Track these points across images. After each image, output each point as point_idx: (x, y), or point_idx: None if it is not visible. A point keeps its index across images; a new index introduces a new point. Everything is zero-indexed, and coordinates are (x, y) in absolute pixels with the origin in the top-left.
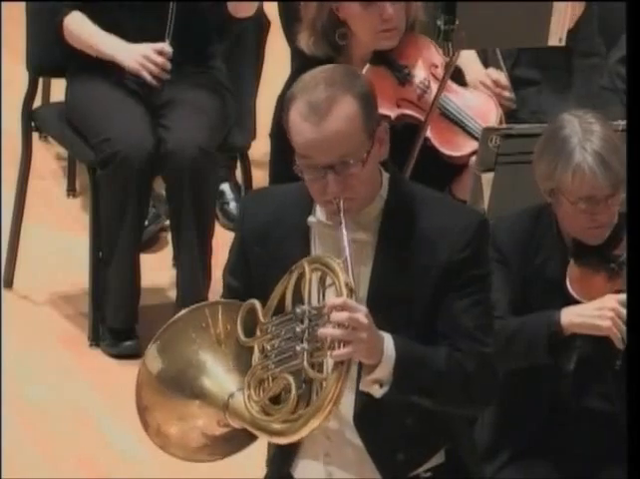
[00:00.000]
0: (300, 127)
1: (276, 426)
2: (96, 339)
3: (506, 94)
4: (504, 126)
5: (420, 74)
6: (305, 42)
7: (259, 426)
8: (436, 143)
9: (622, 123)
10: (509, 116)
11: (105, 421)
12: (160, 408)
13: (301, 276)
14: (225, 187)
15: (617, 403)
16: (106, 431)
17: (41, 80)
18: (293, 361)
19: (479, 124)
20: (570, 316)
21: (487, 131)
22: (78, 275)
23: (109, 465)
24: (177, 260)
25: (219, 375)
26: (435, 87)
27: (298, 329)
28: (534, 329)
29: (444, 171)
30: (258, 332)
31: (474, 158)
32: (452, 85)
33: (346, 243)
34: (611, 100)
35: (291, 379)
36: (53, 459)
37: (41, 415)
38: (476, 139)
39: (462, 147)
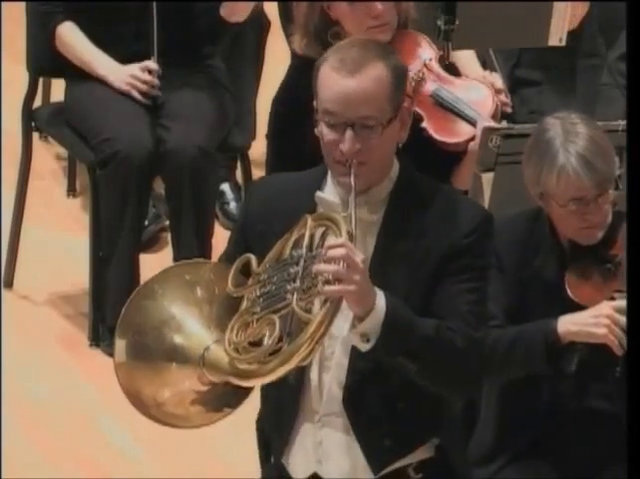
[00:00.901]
0: (329, 78)
1: (248, 366)
2: (96, 339)
3: (502, 98)
4: (505, 126)
5: (413, 68)
6: (298, 43)
7: (233, 368)
8: (432, 132)
9: (622, 123)
10: (510, 116)
11: (105, 421)
12: (145, 382)
13: (302, 236)
14: (225, 187)
15: (618, 404)
16: (106, 431)
17: (41, 80)
18: (282, 302)
19: (474, 110)
20: (567, 325)
21: (488, 131)
22: (78, 275)
23: (109, 465)
24: (177, 261)
25: (197, 331)
26: (430, 77)
27: (292, 271)
28: (532, 339)
29: (443, 163)
30: (250, 282)
31: (471, 144)
32: (446, 76)
33: (352, 198)
34: (613, 96)
35: (276, 318)
36: (53, 459)
37: (41, 415)
38: (472, 124)
39: (459, 134)
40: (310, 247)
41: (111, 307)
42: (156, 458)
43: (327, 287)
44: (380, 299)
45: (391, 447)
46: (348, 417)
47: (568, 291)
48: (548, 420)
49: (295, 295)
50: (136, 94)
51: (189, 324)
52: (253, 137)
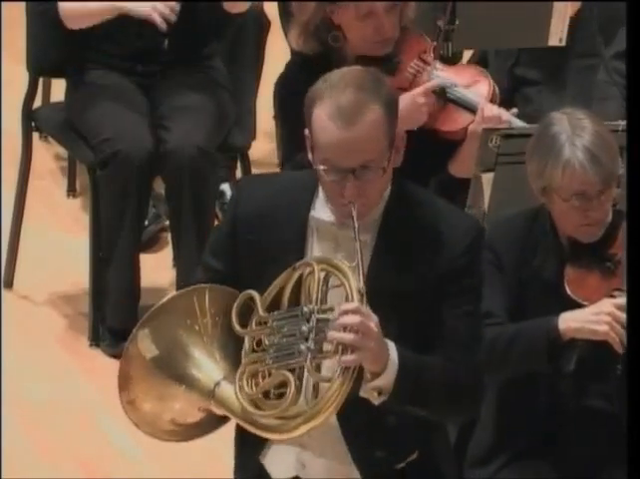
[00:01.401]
0: (327, 128)
1: (269, 421)
2: (96, 339)
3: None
4: (504, 126)
5: (408, 61)
6: (295, 39)
7: (250, 420)
8: (430, 121)
9: (622, 123)
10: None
11: (105, 421)
12: (142, 383)
13: (302, 274)
14: (225, 187)
15: (617, 403)
16: (106, 431)
17: (41, 80)
18: (294, 359)
19: (471, 96)
20: (568, 322)
21: (488, 131)
22: (78, 276)
23: (109, 465)
24: (177, 261)
25: (205, 362)
26: (425, 69)
27: (304, 328)
28: (533, 336)
29: (441, 150)
30: (254, 325)
31: (471, 126)
32: (440, 66)
33: (358, 248)
34: (610, 94)
35: (290, 376)
36: (53, 459)
37: (41, 415)
38: (470, 111)
39: (457, 121)
40: (318, 294)
41: (111, 308)
42: (156, 458)
43: (345, 358)
44: (392, 354)
45: (383, 458)
46: (341, 430)
47: (567, 290)
48: (547, 420)
49: (309, 356)
50: (156, 16)
51: (198, 356)
52: (253, 137)
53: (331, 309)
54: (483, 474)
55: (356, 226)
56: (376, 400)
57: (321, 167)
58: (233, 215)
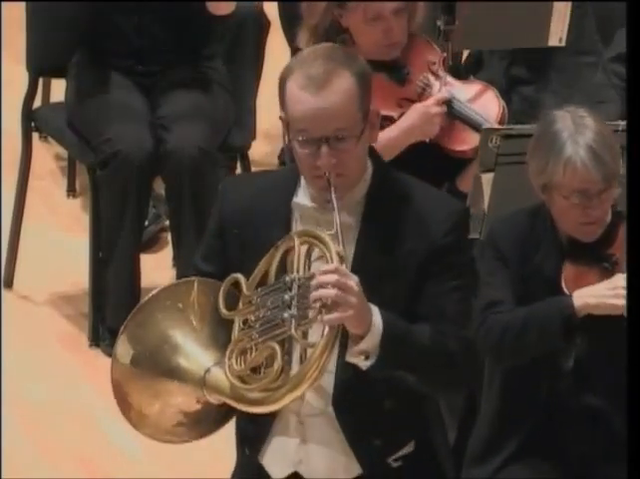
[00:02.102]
0: (298, 97)
1: (256, 395)
2: (96, 339)
3: None
4: (504, 126)
5: (419, 72)
6: (304, 43)
7: (239, 396)
8: (439, 139)
9: (622, 123)
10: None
11: (105, 421)
12: (138, 390)
13: (287, 252)
14: None
15: (615, 401)
16: (106, 431)
17: (41, 80)
18: (279, 329)
19: (481, 116)
20: (584, 299)
21: (487, 131)
22: (78, 276)
23: (109, 465)
24: (177, 261)
25: (195, 352)
26: (434, 83)
27: (286, 297)
28: (547, 316)
29: (448, 167)
30: (241, 305)
31: None
32: (450, 80)
33: (337, 216)
34: (608, 97)
35: (277, 347)
36: (53, 459)
37: (41, 415)
38: (479, 130)
39: (465, 140)
40: (299, 264)
41: (111, 308)
42: (155, 458)
43: (327, 316)
44: (376, 316)
45: (380, 447)
46: (338, 420)
47: (564, 288)
48: (546, 418)
49: (293, 323)
50: None
51: (187, 346)
52: (253, 137)
53: (313, 277)
54: (482, 473)
55: (333, 197)
56: (363, 364)
57: (296, 139)
58: (219, 215)
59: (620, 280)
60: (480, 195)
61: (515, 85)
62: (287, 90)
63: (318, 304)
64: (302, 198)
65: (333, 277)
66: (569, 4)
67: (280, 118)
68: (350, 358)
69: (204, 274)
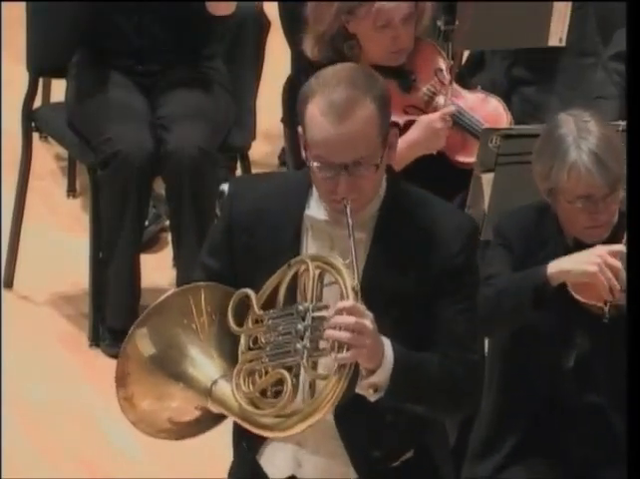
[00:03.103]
0: (319, 124)
1: (267, 420)
2: (96, 340)
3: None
4: (504, 126)
5: (425, 79)
6: (310, 49)
7: (248, 418)
8: (446, 150)
9: (622, 123)
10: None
11: (105, 421)
12: (139, 382)
13: (298, 272)
14: (225, 187)
15: (616, 401)
16: (106, 431)
17: (41, 80)
18: (290, 358)
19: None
20: (559, 264)
21: (488, 131)
22: (78, 276)
23: (109, 465)
24: (177, 261)
25: (201, 361)
26: (441, 91)
27: (300, 327)
28: (520, 284)
29: (458, 179)
30: (250, 323)
31: None
32: (458, 89)
33: (352, 245)
34: (608, 94)
35: (287, 375)
36: (53, 459)
37: (41, 415)
38: None
39: (472, 152)
40: (313, 291)
41: (111, 308)
42: (156, 458)
43: (341, 355)
44: (388, 350)
45: (379, 457)
46: (339, 429)
47: (570, 287)
48: (547, 416)
49: (305, 354)
50: None
51: (193, 353)
52: (253, 137)
53: (326, 307)
54: (483, 471)
55: (350, 222)
56: (372, 397)
57: (314, 163)
58: (228, 214)
59: (599, 249)
60: (480, 195)
61: (517, 85)
62: (308, 112)
63: (331, 341)
64: (314, 210)
65: (351, 319)
66: (569, 4)
67: (299, 134)
68: (359, 390)
69: (210, 270)
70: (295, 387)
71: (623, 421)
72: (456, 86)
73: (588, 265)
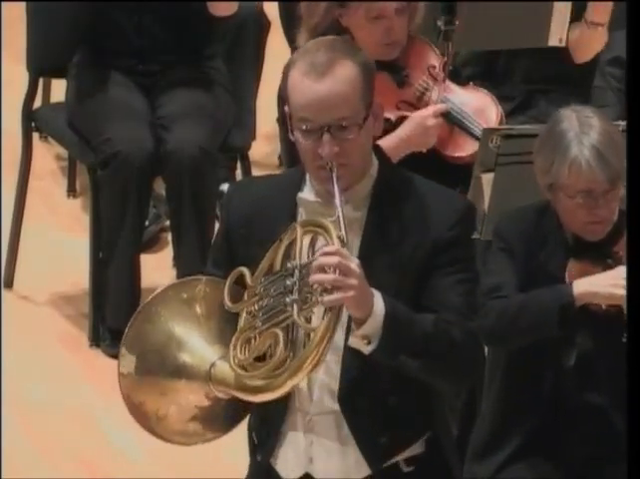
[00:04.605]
0: (300, 84)
1: (258, 382)
2: (96, 340)
3: None
4: (505, 126)
5: (418, 75)
6: (304, 43)
7: (242, 385)
8: (437, 145)
9: (622, 123)
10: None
11: (105, 421)
12: (146, 392)
13: (292, 244)
14: (226, 187)
15: (617, 400)
16: (106, 431)
17: (41, 80)
18: (282, 315)
19: (479, 123)
20: (584, 286)
21: (488, 131)
22: (78, 276)
23: (109, 465)
24: (178, 261)
25: (200, 348)
26: (433, 87)
27: (288, 283)
28: (545, 301)
29: (450, 174)
30: (246, 297)
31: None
32: (450, 85)
33: (338, 202)
34: (607, 101)
35: (280, 333)
36: (53, 459)
37: (41, 415)
38: (477, 138)
39: (463, 147)
40: (301, 252)
41: (111, 308)
42: (156, 458)
43: (327, 298)
44: (378, 300)
45: (387, 444)
46: (344, 416)
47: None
48: (548, 415)
49: (295, 307)
50: None
51: (193, 342)
52: (253, 137)
53: (314, 261)
54: (484, 472)
55: (336, 187)
56: (365, 349)
57: (298, 131)
58: (226, 219)
59: (621, 271)
60: (479, 195)
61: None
62: (290, 79)
63: (319, 288)
64: (307, 193)
65: (333, 259)
66: (569, 4)
67: (286, 113)
68: (352, 343)
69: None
70: (288, 345)
71: (624, 420)
72: (449, 82)
73: (616, 289)
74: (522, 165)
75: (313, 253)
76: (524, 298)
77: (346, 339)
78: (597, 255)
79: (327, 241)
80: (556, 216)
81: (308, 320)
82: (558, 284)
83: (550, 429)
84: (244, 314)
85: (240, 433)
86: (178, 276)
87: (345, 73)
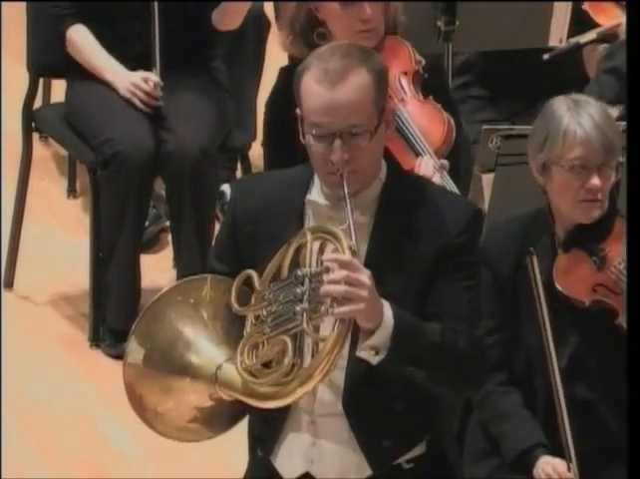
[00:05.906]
0: (314, 91)
1: (267, 389)
2: (96, 340)
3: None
4: (505, 126)
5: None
6: (283, 41)
7: (249, 391)
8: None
9: (622, 123)
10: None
11: (105, 421)
12: (150, 388)
13: (300, 248)
14: (226, 187)
15: (608, 399)
16: (106, 431)
17: (41, 80)
18: (291, 323)
19: (421, 141)
20: (543, 465)
21: (488, 131)
22: (78, 276)
23: (109, 465)
24: (178, 261)
25: (207, 349)
26: (397, 95)
27: (298, 291)
28: (511, 445)
29: None
30: (253, 301)
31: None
32: (411, 95)
33: (349, 211)
34: None
35: (288, 340)
36: (53, 459)
37: (41, 415)
38: (415, 155)
39: (404, 161)
40: (311, 259)
41: (111, 308)
42: (155, 458)
43: (338, 309)
44: (387, 311)
45: (390, 448)
46: (348, 419)
47: (555, 279)
48: (542, 415)
49: (305, 316)
50: (137, 102)
51: (199, 343)
52: (254, 137)
53: (326, 270)
54: (481, 472)
55: (346, 191)
56: (373, 360)
57: (310, 136)
58: (232, 215)
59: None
60: (479, 196)
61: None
62: (303, 84)
63: (329, 299)
64: (316, 195)
65: (344, 273)
66: (569, 4)
67: (299, 117)
68: (360, 353)
69: (218, 273)
70: (300, 358)
71: (615, 417)
72: (410, 91)
73: None
74: (523, 165)
75: (322, 261)
76: (501, 427)
77: (351, 343)
78: (583, 252)
79: (337, 249)
80: (548, 216)
81: (317, 329)
82: (530, 449)
83: (545, 427)
84: (251, 318)
85: (240, 432)
86: (179, 277)
87: (358, 81)
